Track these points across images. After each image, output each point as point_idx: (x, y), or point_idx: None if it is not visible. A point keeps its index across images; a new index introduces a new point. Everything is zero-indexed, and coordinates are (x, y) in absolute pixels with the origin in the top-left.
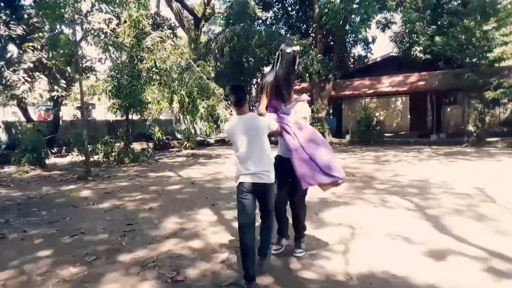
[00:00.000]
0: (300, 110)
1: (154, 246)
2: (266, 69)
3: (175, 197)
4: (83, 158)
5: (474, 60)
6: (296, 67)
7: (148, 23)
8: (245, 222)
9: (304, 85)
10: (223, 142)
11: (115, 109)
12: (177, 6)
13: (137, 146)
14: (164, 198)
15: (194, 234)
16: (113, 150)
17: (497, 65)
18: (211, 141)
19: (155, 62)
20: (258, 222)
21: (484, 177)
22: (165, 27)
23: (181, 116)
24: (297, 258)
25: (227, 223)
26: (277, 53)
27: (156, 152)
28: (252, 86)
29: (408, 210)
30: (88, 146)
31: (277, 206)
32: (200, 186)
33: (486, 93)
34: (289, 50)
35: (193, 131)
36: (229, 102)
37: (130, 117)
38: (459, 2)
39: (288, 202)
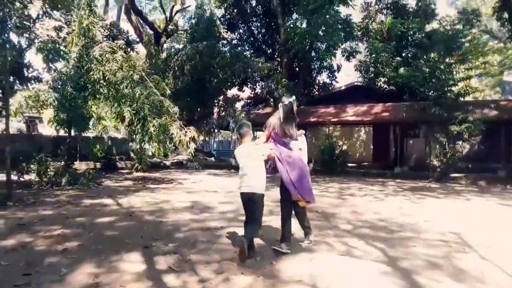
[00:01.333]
0: (297, 143)
1: None
2: (230, 92)
3: (103, 234)
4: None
5: (438, 93)
6: (294, 112)
7: (101, 33)
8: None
9: (268, 110)
10: (180, 165)
11: (55, 124)
12: (137, 19)
13: (82, 166)
14: (88, 235)
15: None
16: (48, 169)
17: (461, 99)
18: (168, 163)
19: (103, 74)
20: None
21: (457, 219)
22: (122, 40)
23: (130, 135)
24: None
25: (157, 277)
26: (279, 104)
27: (103, 173)
28: (215, 106)
29: (378, 262)
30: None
31: (282, 213)
32: (139, 218)
33: (451, 127)
34: (287, 101)
35: (149, 152)
36: (184, 123)
37: (78, 133)
38: (423, 35)
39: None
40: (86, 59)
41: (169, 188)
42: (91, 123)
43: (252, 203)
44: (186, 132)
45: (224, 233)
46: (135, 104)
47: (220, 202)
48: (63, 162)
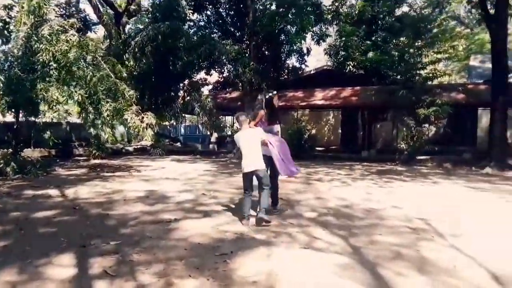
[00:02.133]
0: (274, 128)
1: None
2: (198, 76)
3: (37, 232)
4: None
5: (407, 76)
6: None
7: (54, 11)
8: (246, 189)
9: (235, 94)
10: (143, 151)
11: (1, 108)
12: None
13: (35, 153)
14: (19, 234)
15: None
16: None
17: (430, 82)
18: (130, 149)
19: (53, 55)
20: None
21: (424, 203)
22: (78, 19)
23: (84, 120)
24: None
25: (86, 285)
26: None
27: (57, 161)
28: (180, 90)
29: (341, 255)
30: None
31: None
32: (84, 212)
33: (419, 110)
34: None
35: (106, 137)
36: (145, 107)
37: (25, 118)
38: (393, 19)
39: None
40: (36, 38)
41: (125, 176)
42: (45, 107)
43: (259, 177)
44: (143, 117)
45: (176, 227)
46: (87, 88)
47: (179, 190)
48: (11, 150)
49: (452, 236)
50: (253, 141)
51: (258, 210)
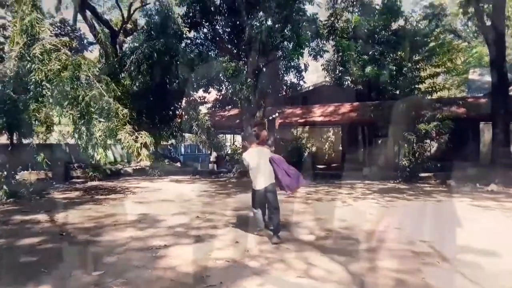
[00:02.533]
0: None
1: None
2: (197, 94)
3: (17, 261)
4: None
5: (406, 90)
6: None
7: (49, 30)
8: (257, 206)
9: (233, 111)
10: (142, 172)
11: None
12: (92, 17)
13: (32, 176)
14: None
15: None
16: None
17: (429, 97)
18: (129, 170)
19: (46, 75)
20: None
21: (428, 223)
22: (73, 38)
23: (77, 141)
24: None
25: None
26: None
27: (54, 183)
28: (179, 109)
29: (339, 284)
30: None
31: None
32: (70, 238)
33: (420, 125)
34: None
35: (99, 158)
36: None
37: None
38: (390, 33)
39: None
40: (28, 58)
41: (119, 198)
42: (40, 128)
43: (269, 193)
44: (137, 137)
45: (165, 254)
46: (79, 107)
47: (173, 213)
48: (5, 173)
49: (459, 260)
50: (262, 158)
51: (272, 236)
